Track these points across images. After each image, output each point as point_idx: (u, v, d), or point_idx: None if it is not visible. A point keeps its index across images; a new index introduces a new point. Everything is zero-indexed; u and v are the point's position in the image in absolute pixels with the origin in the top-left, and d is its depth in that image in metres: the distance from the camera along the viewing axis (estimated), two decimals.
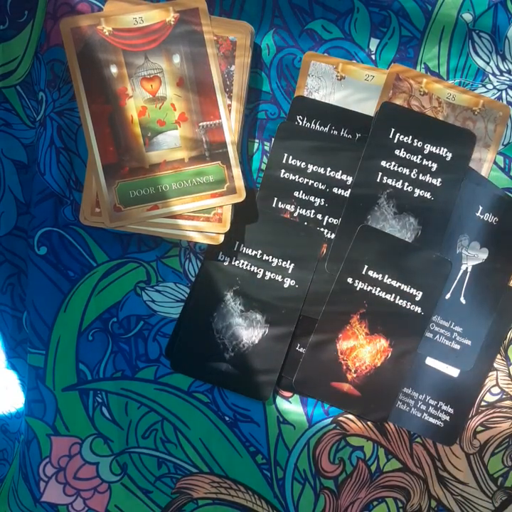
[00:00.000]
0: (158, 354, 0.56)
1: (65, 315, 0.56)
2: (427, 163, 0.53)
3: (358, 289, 0.54)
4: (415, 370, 0.55)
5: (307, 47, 0.54)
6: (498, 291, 0.55)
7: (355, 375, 0.54)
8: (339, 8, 0.53)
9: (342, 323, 0.54)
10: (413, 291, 0.53)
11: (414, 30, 0.53)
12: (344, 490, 0.56)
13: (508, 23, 0.53)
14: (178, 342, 0.55)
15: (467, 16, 0.53)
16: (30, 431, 0.56)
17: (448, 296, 0.55)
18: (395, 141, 0.53)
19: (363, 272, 0.53)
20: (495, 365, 0.56)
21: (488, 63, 0.54)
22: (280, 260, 0.54)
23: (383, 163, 0.53)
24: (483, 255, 0.55)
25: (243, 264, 0.54)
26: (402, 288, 0.53)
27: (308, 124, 0.54)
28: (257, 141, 0.55)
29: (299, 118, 0.54)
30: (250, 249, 0.54)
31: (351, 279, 0.54)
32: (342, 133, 0.54)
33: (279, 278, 0.54)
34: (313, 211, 0.54)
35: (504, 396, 0.56)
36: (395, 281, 0.53)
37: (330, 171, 0.54)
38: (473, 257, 0.54)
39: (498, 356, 0.56)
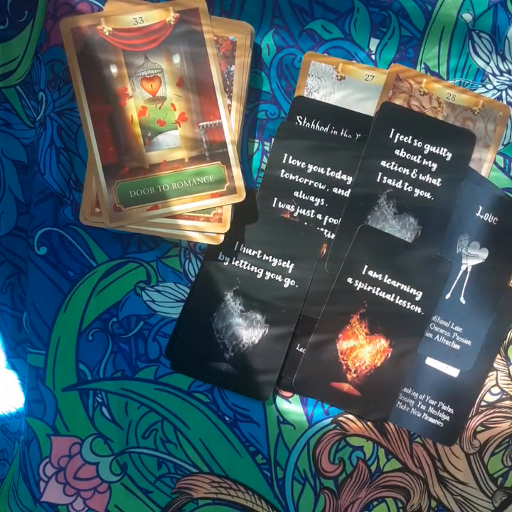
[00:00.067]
0: (158, 354, 0.56)
1: (65, 315, 0.56)
2: (427, 163, 0.53)
3: (358, 289, 0.54)
4: (415, 370, 0.55)
5: (307, 47, 0.54)
6: (498, 291, 0.55)
7: (355, 375, 0.54)
8: (339, 8, 0.53)
9: (342, 323, 0.54)
10: (413, 291, 0.53)
11: (414, 30, 0.53)
12: (344, 490, 0.56)
13: (508, 23, 0.53)
14: (178, 342, 0.55)
15: (467, 16, 0.53)
16: (30, 431, 0.56)
17: (448, 296, 0.55)
18: (395, 141, 0.53)
19: (363, 272, 0.53)
20: (495, 365, 0.56)
21: (488, 63, 0.54)
22: (280, 260, 0.54)
23: (383, 163, 0.53)
24: (483, 255, 0.55)
25: (243, 264, 0.54)
26: (402, 288, 0.53)
27: (308, 124, 0.54)
28: (257, 141, 0.55)
29: (299, 118, 0.54)
30: (250, 249, 0.54)
31: (351, 279, 0.54)
32: (342, 133, 0.54)
33: (279, 278, 0.54)
34: (313, 211, 0.54)
35: (504, 396, 0.56)
36: (395, 281, 0.53)
37: (330, 171, 0.54)
38: (473, 256, 0.54)
39: (498, 356, 0.56)
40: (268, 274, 0.54)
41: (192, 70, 0.51)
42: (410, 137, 0.53)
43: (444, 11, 0.53)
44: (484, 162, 0.55)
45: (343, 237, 0.54)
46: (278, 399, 0.56)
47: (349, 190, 0.54)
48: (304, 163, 0.54)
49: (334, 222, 0.54)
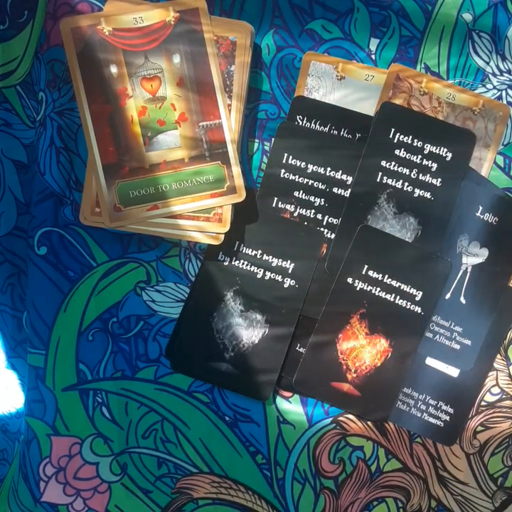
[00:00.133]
0: (158, 354, 0.56)
1: (65, 315, 0.56)
2: (427, 163, 0.53)
3: (358, 289, 0.54)
4: (415, 370, 0.55)
5: (307, 47, 0.54)
6: (498, 291, 0.55)
7: (355, 375, 0.54)
8: (339, 8, 0.53)
9: (342, 323, 0.54)
10: (413, 291, 0.53)
11: (414, 30, 0.53)
12: (344, 490, 0.56)
13: (508, 23, 0.53)
14: (178, 342, 0.55)
15: (467, 16, 0.53)
16: (30, 431, 0.56)
17: (448, 296, 0.54)
18: (395, 141, 0.53)
19: (363, 272, 0.53)
20: (495, 365, 0.56)
21: (488, 63, 0.54)
22: (280, 260, 0.54)
23: (383, 163, 0.53)
24: (483, 255, 0.55)
25: (243, 264, 0.54)
26: (402, 288, 0.53)
27: (308, 123, 0.54)
28: (257, 140, 0.55)
29: (299, 118, 0.54)
30: (250, 249, 0.54)
31: (351, 279, 0.54)
32: (342, 133, 0.54)
33: (279, 278, 0.54)
34: (313, 211, 0.54)
35: (504, 396, 0.56)
36: (395, 281, 0.53)
37: (330, 171, 0.54)
38: (473, 256, 0.54)
39: (498, 356, 0.56)
40: (268, 274, 0.54)
41: (192, 70, 0.51)
42: (410, 137, 0.53)
43: (444, 11, 0.53)
44: (484, 162, 0.55)
45: (343, 237, 0.54)
46: (278, 399, 0.56)
47: (349, 190, 0.54)
48: (303, 163, 0.54)
49: (334, 222, 0.54)
